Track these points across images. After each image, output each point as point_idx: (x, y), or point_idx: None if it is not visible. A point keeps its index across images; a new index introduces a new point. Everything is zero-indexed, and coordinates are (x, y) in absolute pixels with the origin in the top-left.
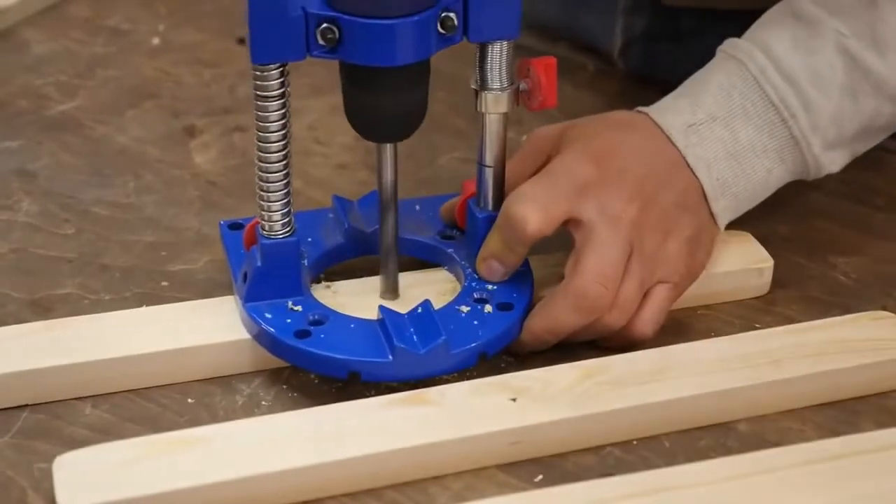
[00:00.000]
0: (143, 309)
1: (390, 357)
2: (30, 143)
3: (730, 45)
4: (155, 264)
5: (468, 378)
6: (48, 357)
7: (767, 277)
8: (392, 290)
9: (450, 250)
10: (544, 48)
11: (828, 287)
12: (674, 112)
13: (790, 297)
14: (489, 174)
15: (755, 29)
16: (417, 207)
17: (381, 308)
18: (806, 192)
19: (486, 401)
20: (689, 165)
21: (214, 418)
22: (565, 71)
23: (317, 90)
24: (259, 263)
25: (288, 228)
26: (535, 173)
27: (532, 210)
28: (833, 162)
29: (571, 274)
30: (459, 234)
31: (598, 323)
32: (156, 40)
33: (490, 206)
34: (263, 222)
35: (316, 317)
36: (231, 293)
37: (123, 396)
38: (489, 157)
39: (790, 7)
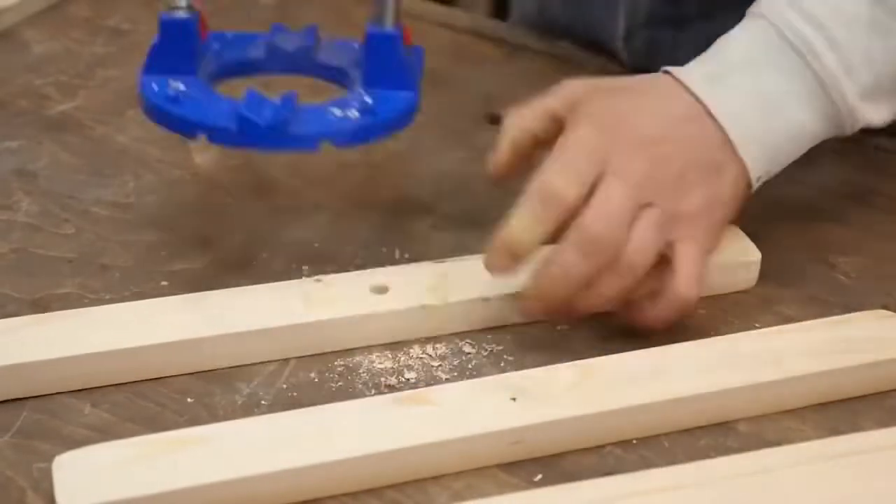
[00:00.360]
0: (136, 303)
1: (234, 124)
2: (30, 143)
3: (753, 6)
4: (155, 264)
5: (467, 377)
6: (38, 351)
7: (754, 273)
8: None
9: (357, 73)
10: (545, 47)
11: (828, 287)
12: (697, 67)
13: (790, 297)
14: None
15: None
16: (350, 45)
17: (247, 88)
18: (806, 192)
19: (486, 400)
20: (712, 116)
21: (214, 417)
22: (567, 71)
23: (317, 90)
24: (157, 38)
25: (187, 7)
26: (544, 131)
27: (565, 182)
28: (873, 112)
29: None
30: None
31: (620, 263)
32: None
33: (384, 23)
34: (168, 2)
35: (193, 93)
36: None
37: (122, 396)
38: None
39: None
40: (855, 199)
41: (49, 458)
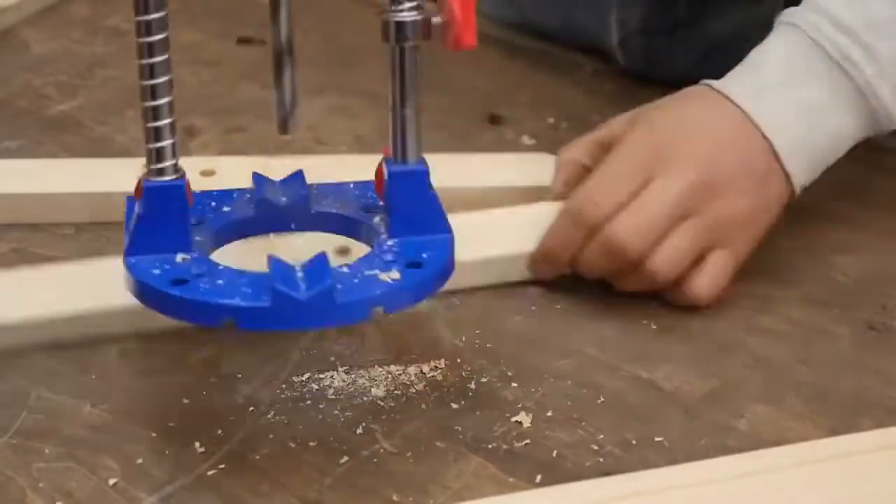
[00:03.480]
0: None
1: (269, 302)
2: (30, 143)
3: (785, 14)
4: None
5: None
6: None
7: None
8: (288, 118)
9: (371, 220)
10: (539, 47)
11: (828, 287)
12: (737, 80)
13: (790, 297)
14: (404, 118)
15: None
16: (344, 188)
17: (270, 256)
18: (806, 193)
19: None
20: (757, 127)
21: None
22: (563, 71)
23: (317, 90)
24: (141, 210)
25: (174, 172)
26: (593, 160)
27: (603, 195)
28: None
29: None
30: (381, 206)
31: (645, 270)
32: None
33: (408, 156)
34: (149, 166)
35: (201, 271)
36: None
37: (123, 395)
38: (401, 98)
39: None
40: (854, 198)
41: (49, 459)
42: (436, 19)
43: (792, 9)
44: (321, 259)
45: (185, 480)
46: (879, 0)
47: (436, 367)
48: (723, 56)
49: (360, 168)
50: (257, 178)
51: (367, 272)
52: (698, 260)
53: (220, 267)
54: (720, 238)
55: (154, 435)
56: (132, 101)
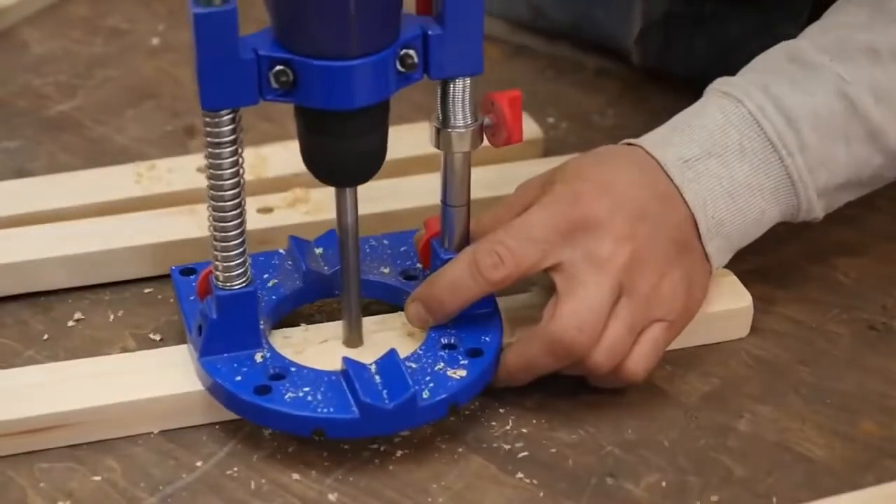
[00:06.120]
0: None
1: (357, 413)
2: (29, 143)
3: (722, 83)
4: None
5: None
6: None
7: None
8: (356, 338)
9: (413, 287)
10: (545, 48)
11: (828, 287)
12: (668, 145)
13: (790, 298)
14: (454, 214)
15: (747, 72)
16: (375, 244)
17: (345, 359)
18: None
19: None
20: (685, 201)
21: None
22: (565, 71)
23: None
24: (214, 316)
25: (244, 279)
26: None
27: (499, 257)
28: (819, 209)
29: (548, 318)
30: (422, 271)
31: (585, 364)
32: (155, 40)
33: (454, 247)
34: (218, 273)
35: (276, 370)
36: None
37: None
38: (453, 197)
39: (786, 53)
40: (855, 199)
41: (50, 459)
42: (487, 121)
43: (727, 78)
44: (393, 359)
45: (185, 480)
46: (823, 94)
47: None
48: (740, 56)
49: None
50: (295, 242)
51: (437, 367)
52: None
53: (298, 368)
54: (655, 312)
55: (155, 435)
56: (131, 101)
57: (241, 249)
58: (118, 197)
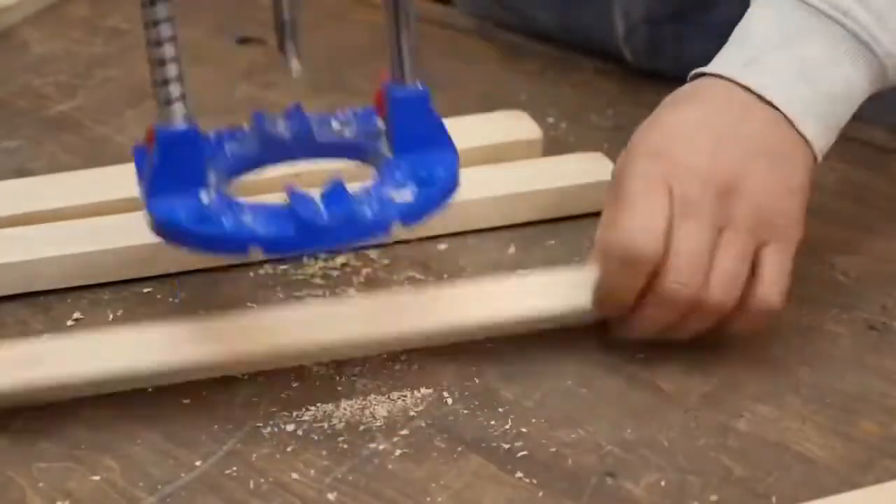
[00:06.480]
0: None
1: (292, 228)
2: (29, 143)
3: None
4: None
5: None
6: None
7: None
8: (286, 40)
9: (377, 144)
10: (541, 48)
11: (827, 287)
12: (725, 59)
13: (790, 297)
14: (399, 40)
15: None
16: (344, 116)
17: (288, 186)
18: None
19: None
20: (763, 99)
21: None
22: (565, 71)
23: (317, 90)
24: (158, 156)
25: (184, 119)
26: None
27: (642, 238)
28: None
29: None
30: (384, 128)
31: (705, 305)
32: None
33: (406, 77)
34: (161, 111)
35: (219, 204)
36: None
37: (124, 395)
38: (396, 20)
39: None
40: (854, 199)
41: (49, 459)
42: None
43: None
44: (337, 183)
45: (185, 480)
46: None
47: (436, 366)
48: None
49: None
50: (257, 115)
51: (383, 191)
52: (753, 268)
53: (242, 201)
54: (764, 235)
55: (154, 435)
56: (132, 101)
57: (177, 83)
58: (118, 197)
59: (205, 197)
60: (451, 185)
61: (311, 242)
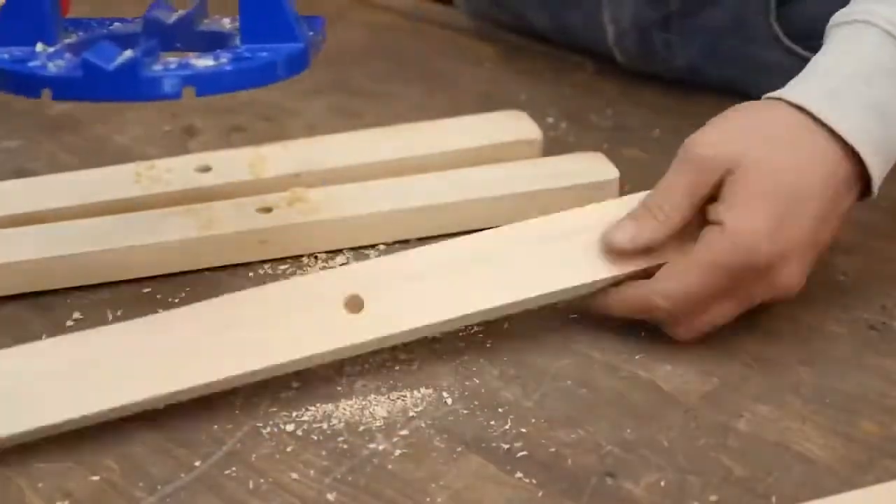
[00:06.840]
0: None
1: (80, 72)
2: (29, 142)
3: (841, 15)
4: None
5: None
6: None
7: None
8: None
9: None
10: (541, 48)
11: (827, 287)
12: (806, 85)
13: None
14: None
15: (855, 2)
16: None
17: (101, 41)
18: None
19: None
20: (834, 133)
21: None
22: (565, 71)
23: (317, 90)
24: (5, 6)
25: None
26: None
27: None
28: None
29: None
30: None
31: (776, 282)
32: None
33: None
34: None
35: (48, 56)
36: None
37: None
38: None
39: None
40: None
41: (49, 459)
42: None
43: (843, 10)
44: (153, 44)
45: (185, 480)
46: None
47: (436, 366)
48: (725, 45)
49: (350, 148)
50: (154, 3)
51: (195, 60)
52: None
53: (72, 56)
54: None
55: (154, 435)
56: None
57: None
58: (118, 197)
59: (41, 48)
60: (270, 66)
61: (96, 91)
